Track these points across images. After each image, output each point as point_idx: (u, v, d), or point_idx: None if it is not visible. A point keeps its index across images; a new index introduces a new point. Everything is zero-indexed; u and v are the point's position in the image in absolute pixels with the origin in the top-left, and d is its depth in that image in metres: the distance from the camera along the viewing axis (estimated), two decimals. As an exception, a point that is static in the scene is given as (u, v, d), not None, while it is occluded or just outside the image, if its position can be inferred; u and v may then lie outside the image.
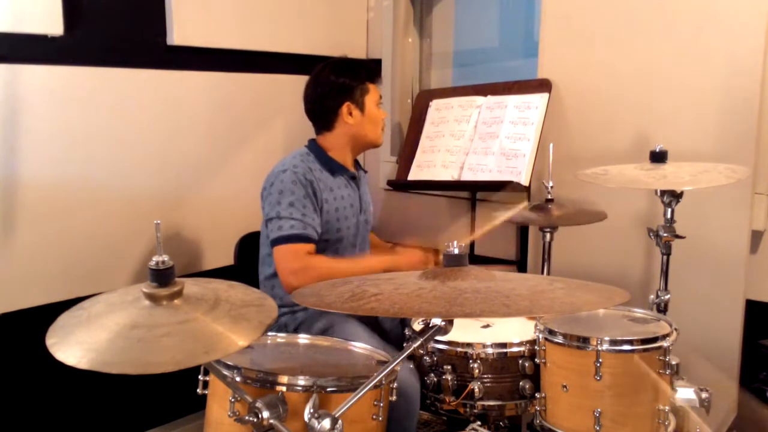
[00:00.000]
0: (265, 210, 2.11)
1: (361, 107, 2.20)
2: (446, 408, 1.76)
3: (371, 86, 2.23)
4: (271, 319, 1.15)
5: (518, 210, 2.18)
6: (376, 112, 2.24)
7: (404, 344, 1.80)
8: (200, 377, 1.44)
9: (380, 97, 2.27)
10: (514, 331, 1.83)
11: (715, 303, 2.21)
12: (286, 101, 2.80)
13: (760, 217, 2.21)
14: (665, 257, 1.96)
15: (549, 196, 2.14)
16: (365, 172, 2.39)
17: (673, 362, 1.59)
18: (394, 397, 1.44)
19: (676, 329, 1.63)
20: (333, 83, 2.19)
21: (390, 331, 2.23)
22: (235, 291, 1.24)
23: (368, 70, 2.27)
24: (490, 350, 1.73)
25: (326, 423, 1.14)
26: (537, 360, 1.65)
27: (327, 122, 2.22)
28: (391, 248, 2.46)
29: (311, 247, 2.06)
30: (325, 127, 2.23)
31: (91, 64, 2.24)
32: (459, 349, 1.74)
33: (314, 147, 2.23)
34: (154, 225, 1.15)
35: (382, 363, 1.52)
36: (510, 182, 2.39)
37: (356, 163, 2.33)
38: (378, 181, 3.06)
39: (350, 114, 2.19)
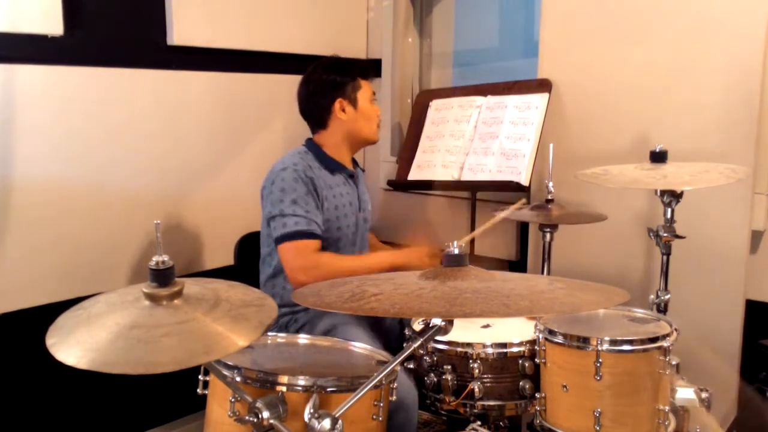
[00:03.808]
0: (267, 209, 2.11)
1: (354, 103, 2.21)
2: (446, 408, 1.76)
3: (363, 82, 2.24)
4: (271, 319, 1.16)
5: (515, 208, 2.18)
6: (369, 108, 2.24)
7: (404, 344, 1.81)
8: (200, 377, 1.44)
9: (373, 93, 2.28)
10: (514, 331, 1.83)
11: (715, 303, 2.21)
12: (286, 101, 2.79)
13: (760, 217, 2.21)
14: (665, 257, 1.96)
15: (549, 196, 2.14)
16: (363, 170, 2.39)
17: (673, 362, 1.59)
18: (394, 397, 1.44)
19: (676, 329, 1.63)
20: (324, 81, 2.21)
21: (390, 331, 2.24)
22: (235, 291, 1.24)
23: (359, 66, 2.28)
24: (490, 350, 1.73)
25: (326, 423, 1.14)
26: (537, 360, 1.65)
27: (321, 120, 2.23)
28: (391, 248, 2.47)
29: (317, 243, 2.05)
30: (320, 126, 2.24)
31: (91, 64, 2.24)
32: (459, 349, 1.73)
33: (312, 145, 2.24)
34: (154, 225, 1.15)
35: (382, 363, 1.52)
36: (510, 182, 2.39)
37: (354, 162, 2.34)
38: (378, 181, 3.06)
39: (343, 110, 2.20)
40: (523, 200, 2.28)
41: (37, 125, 2.13)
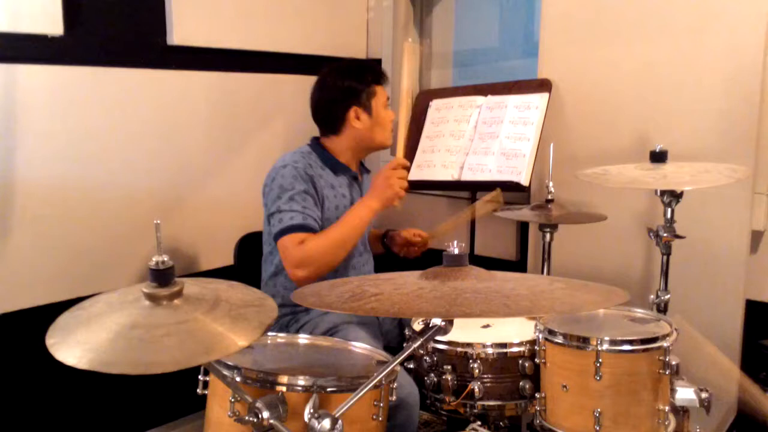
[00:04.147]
0: (267, 206, 2.11)
1: (369, 111, 2.18)
2: (446, 408, 1.76)
3: (378, 88, 2.20)
4: (271, 319, 1.15)
5: (487, 200, 2.19)
6: (383, 114, 2.21)
7: (404, 344, 1.81)
8: (200, 377, 1.44)
9: (388, 98, 2.25)
10: (514, 331, 1.83)
11: (715, 303, 2.21)
12: (286, 101, 2.80)
13: (760, 217, 2.21)
14: (665, 257, 1.96)
15: (549, 196, 2.15)
16: (368, 171, 2.39)
17: (673, 362, 1.59)
18: (394, 397, 1.44)
19: (676, 329, 1.63)
20: (339, 88, 2.17)
21: (388, 333, 2.23)
22: (235, 291, 1.24)
23: (374, 72, 2.24)
24: (490, 350, 1.73)
25: (326, 423, 1.14)
26: (537, 360, 1.65)
27: (334, 127, 2.20)
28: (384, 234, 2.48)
29: (312, 235, 2.04)
30: (332, 131, 2.21)
31: (91, 64, 2.24)
32: (459, 349, 1.73)
33: (317, 146, 2.22)
34: (154, 225, 1.15)
35: (382, 363, 1.52)
36: (510, 182, 2.39)
37: (361, 164, 2.33)
38: (378, 181, 3.06)
39: (358, 118, 2.17)
40: (494, 193, 2.26)
41: (37, 125, 2.13)
